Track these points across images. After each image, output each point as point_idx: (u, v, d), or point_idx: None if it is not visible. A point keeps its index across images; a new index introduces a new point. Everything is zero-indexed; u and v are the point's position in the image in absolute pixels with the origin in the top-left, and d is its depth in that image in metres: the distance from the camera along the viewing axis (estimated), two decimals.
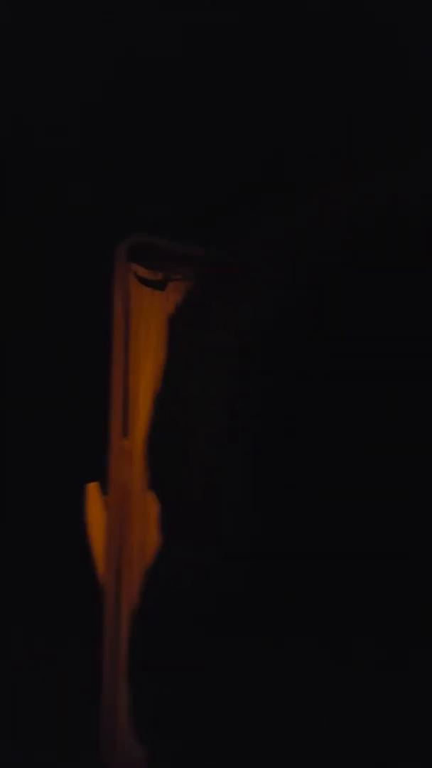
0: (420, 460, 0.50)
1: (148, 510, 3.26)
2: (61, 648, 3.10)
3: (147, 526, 3.25)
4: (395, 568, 0.51)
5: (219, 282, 0.65)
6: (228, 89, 3.17)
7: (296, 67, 3.00)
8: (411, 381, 0.50)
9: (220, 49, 3.10)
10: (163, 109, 3.23)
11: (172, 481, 0.61)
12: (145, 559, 3.24)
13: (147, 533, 3.25)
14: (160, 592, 0.61)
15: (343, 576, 0.51)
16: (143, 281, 3.32)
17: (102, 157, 3.30)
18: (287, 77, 3.05)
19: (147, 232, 3.31)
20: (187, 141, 3.23)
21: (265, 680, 0.53)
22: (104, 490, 3.30)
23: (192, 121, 3.22)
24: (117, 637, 3.20)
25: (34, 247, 3.35)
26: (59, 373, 3.32)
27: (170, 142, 3.25)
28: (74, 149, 3.24)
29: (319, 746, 0.52)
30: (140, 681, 0.60)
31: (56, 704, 3.14)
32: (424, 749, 0.50)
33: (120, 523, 3.25)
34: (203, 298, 0.65)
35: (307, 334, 0.54)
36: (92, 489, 3.32)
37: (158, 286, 3.33)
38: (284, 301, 0.56)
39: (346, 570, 0.51)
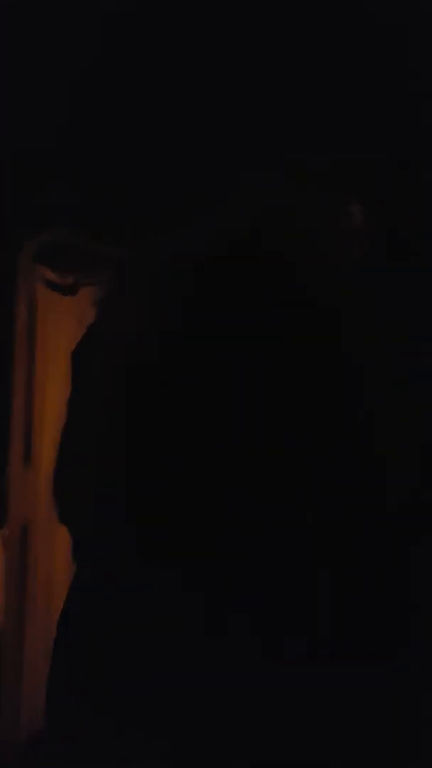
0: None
1: (54, 545, 2.88)
2: None
3: (53, 562, 2.87)
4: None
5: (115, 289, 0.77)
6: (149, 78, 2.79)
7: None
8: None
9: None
10: (82, 98, 2.84)
11: (84, 511, 0.65)
12: (51, 598, 2.86)
13: (53, 570, 2.88)
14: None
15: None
16: (52, 286, 2.93)
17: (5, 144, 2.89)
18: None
19: (56, 230, 2.92)
20: (106, 136, 2.84)
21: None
22: (1, 523, 2.92)
23: (109, 114, 2.84)
24: (18, 686, 2.81)
25: None
26: None
27: (89, 135, 2.86)
28: None
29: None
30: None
31: None
32: None
33: (21, 560, 2.87)
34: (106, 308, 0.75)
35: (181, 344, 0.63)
36: None
37: (69, 291, 2.94)
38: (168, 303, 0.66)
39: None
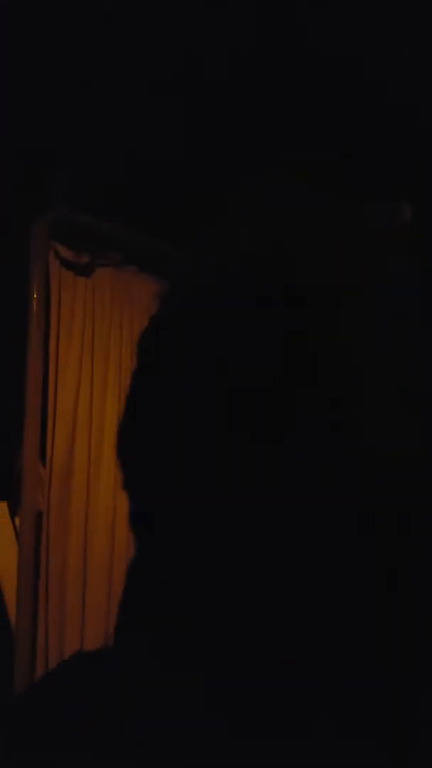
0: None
1: (67, 532, 2.88)
2: None
3: (66, 551, 2.87)
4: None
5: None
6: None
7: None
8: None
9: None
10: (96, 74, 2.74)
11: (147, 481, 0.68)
12: (64, 586, 2.87)
13: (67, 557, 2.88)
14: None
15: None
16: (66, 264, 2.81)
17: (20, 119, 2.69)
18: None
19: (71, 207, 2.80)
20: (124, 112, 2.79)
21: None
22: (14, 511, 2.82)
23: (126, 92, 2.79)
24: (31, 675, 2.82)
25: None
26: None
27: (105, 111, 2.78)
28: None
29: None
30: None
31: None
32: None
33: (35, 547, 2.82)
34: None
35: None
36: (1, 510, 2.81)
37: (83, 271, 2.85)
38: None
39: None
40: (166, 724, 0.64)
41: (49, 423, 2.80)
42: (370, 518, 0.61)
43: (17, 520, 2.80)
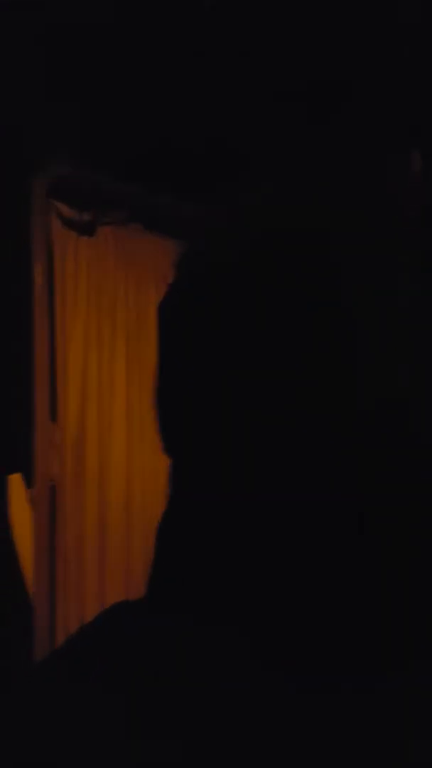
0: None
1: (83, 503, 2.77)
2: None
3: (83, 521, 2.77)
4: None
5: None
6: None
7: None
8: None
9: None
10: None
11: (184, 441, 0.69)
12: (81, 557, 2.77)
13: (83, 529, 2.77)
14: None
15: None
16: (69, 223, 2.69)
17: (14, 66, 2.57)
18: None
19: (72, 162, 2.68)
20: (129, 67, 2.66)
21: None
22: (29, 482, 2.71)
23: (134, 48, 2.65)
24: (51, 646, 2.72)
25: None
26: None
27: (110, 66, 2.65)
28: None
29: None
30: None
31: None
32: None
33: (49, 520, 2.72)
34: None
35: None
36: (15, 482, 2.70)
37: (87, 230, 2.73)
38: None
39: None
40: (207, 675, 0.63)
41: (59, 390, 2.69)
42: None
43: (31, 492, 2.70)
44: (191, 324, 0.68)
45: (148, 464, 2.78)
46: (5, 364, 2.60)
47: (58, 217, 2.66)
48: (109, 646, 0.68)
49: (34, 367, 2.63)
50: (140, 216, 2.79)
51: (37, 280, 2.61)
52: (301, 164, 0.72)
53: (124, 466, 2.79)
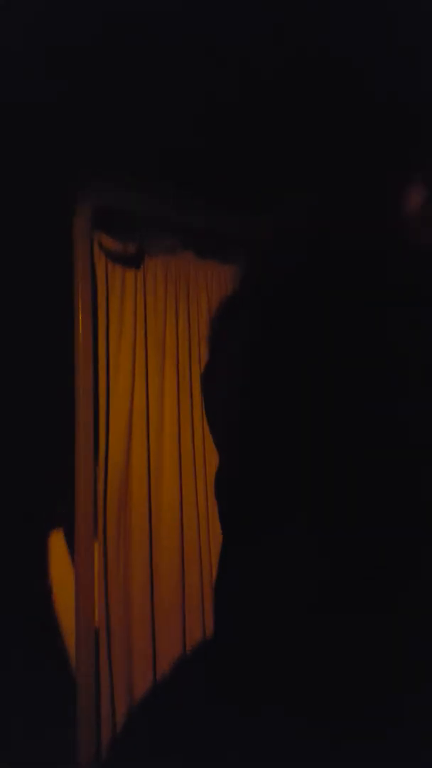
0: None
1: (130, 565, 2.52)
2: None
3: (130, 586, 2.51)
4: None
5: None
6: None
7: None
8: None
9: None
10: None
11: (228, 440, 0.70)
12: (126, 626, 2.51)
13: (131, 595, 2.51)
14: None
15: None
16: (112, 256, 2.47)
17: (59, 98, 2.36)
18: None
19: (114, 191, 2.47)
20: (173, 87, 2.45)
21: None
22: (70, 540, 2.47)
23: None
24: (96, 723, 2.45)
25: None
26: (4, 384, 2.37)
27: (154, 88, 2.44)
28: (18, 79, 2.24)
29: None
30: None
31: None
32: None
33: (92, 582, 2.47)
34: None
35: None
36: (56, 540, 2.46)
37: (131, 262, 2.51)
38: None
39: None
40: None
41: (102, 432, 2.45)
42: None
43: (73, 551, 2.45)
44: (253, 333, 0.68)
45: (202, 510, 2.51)
46: (42, 405, 2.37)
47: (101, 249, 2.44)
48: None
49: (76, 405, 2.40)
50: (190, 243, 2.57)
51: (81, 314, 2.39)
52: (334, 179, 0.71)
53: (177, 506, 2.52)
